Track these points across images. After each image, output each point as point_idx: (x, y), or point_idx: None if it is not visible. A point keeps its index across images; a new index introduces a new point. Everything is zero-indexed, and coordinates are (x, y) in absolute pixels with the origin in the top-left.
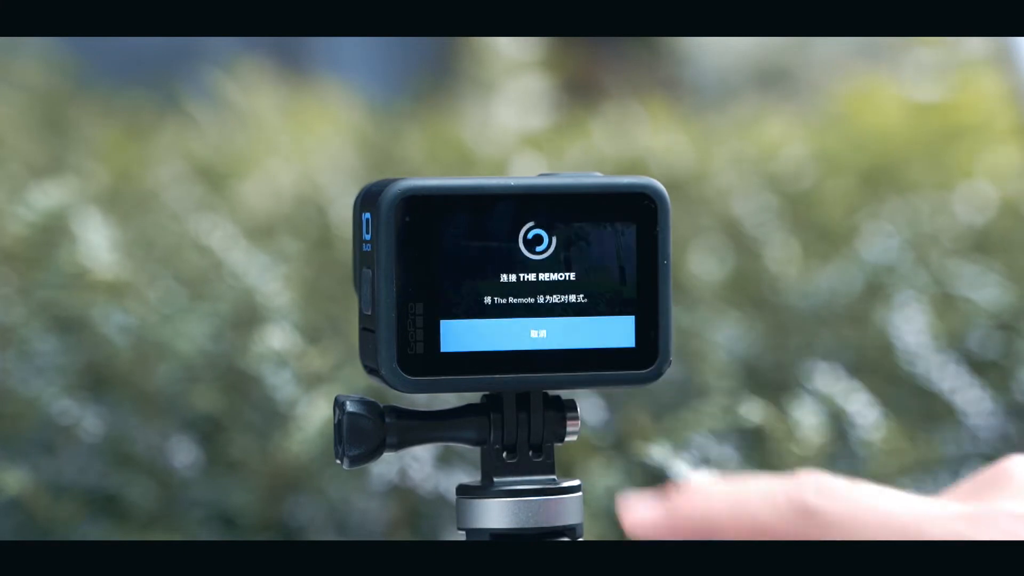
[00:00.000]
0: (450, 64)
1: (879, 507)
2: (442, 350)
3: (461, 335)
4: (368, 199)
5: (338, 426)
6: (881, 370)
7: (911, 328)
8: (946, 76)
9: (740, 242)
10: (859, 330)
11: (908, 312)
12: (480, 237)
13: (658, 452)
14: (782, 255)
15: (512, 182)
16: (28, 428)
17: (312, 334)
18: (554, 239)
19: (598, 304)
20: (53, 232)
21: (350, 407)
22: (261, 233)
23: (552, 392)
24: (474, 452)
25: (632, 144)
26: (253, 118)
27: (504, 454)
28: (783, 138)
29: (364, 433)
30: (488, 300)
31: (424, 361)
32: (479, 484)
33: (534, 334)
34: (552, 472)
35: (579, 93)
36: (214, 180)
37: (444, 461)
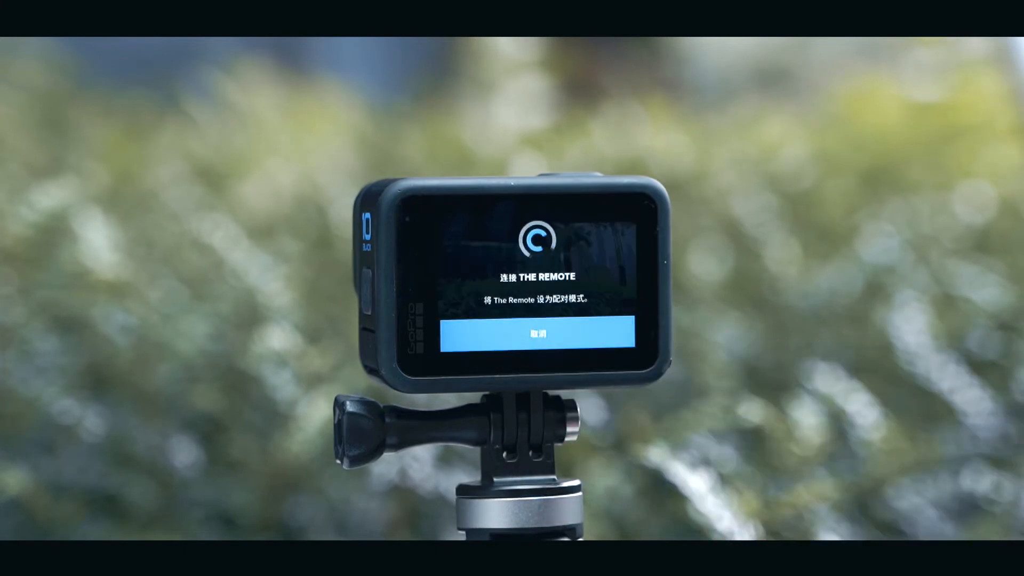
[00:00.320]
0: (450, 64)
1: None
2: (442, 350)
3: (461, 335)
4: (368, 199)
5: (338, 426)
6: (881, 370)
7: (911, 328)
8: (946, 76)
9: (740, 242)
10: (859, 330)
11: (908, 312)
12: (480, 237)
13: (657, 454)
14: (782, 255)
15: (512, 182)
16: (28, 428)
17: (312, 334)
18: (554, 239)
19: (598, 304)
20: (54, 232)
21: (350, 407)
22: (261, 233)
23: (552, 392)
24: (474, 452)
25: (632, 144)
26: (253, 118)
27: (504, 454)
28: (783, 138)
29: (364, 433)
30: (488, 300)
31: (424, 361)
32: (479, 484)
33: (534, 334)
34: (552, 472)
35: (579, 93)
36: (214, 180)
37: (444, 461)
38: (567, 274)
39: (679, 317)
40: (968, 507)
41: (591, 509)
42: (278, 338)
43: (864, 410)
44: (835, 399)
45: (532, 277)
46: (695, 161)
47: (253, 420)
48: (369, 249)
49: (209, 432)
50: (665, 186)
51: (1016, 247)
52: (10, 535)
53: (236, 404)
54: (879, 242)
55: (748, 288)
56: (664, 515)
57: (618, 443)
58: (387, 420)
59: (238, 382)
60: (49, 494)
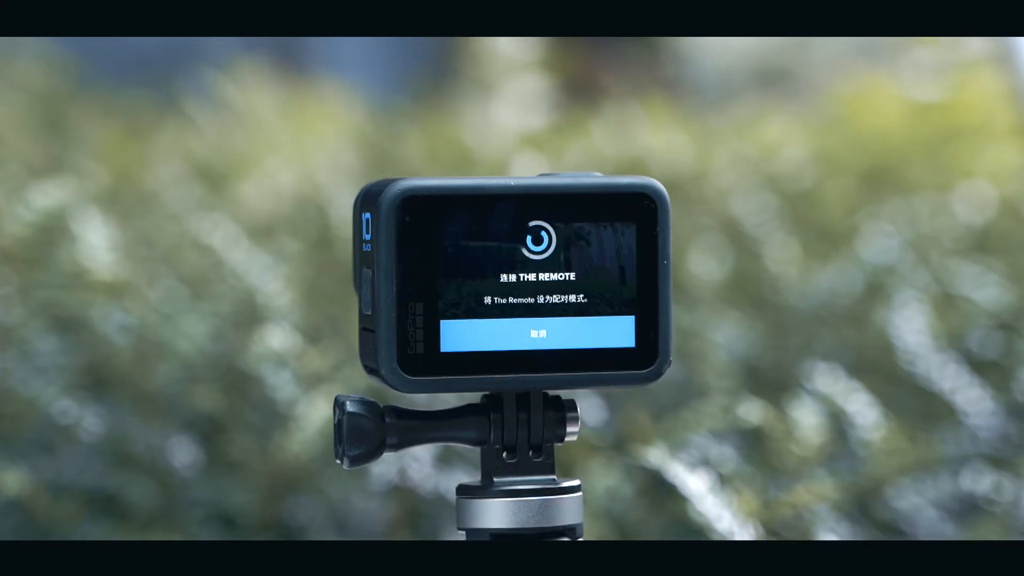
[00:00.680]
0: (450, 64)
1: None
2: (442, 350)
3: (461, 335)
4: (368, 199)
5: (338, 426)
6: (881, 370)
7: (911, 328)
8: (946, 76)
9: (740, 242)
10: (859, 330)
11: (908, 312)
12: (480, 237)
13: (656, 454)
14: (782, 255)
15: (512, 182)
16: (28, 428)
17: (312, 334)
18: (554, 239)
19: (598, 304)
20: (53, 232)
21: (350, 407)
22: (261, 233)
23: (552, 392)
24: (474, 452)
25: (632, 144)
26: (253, 118)
27: (504, 454)
28: (783, 138)
29: (364, 433)
30: (488, 300)
31: (424, 361)
32: (479, 484)
33: (534, 334)
34: (552, 472)
35: (579, 93)
36: (214, 180)
37: (444, 461)
38: (567, 274)
39: (679, 317)
40: (968, 507)
41: (591, 509)
42: (278, 338)
43: (864, 410)
44: (835, 399)
45: (532, 277)
46: (695, 161)
47: (253, 420)
48: (369, 249)
49: (209, 432)
50: (665, 186)
51: (1016, 247)
52: (10, 535)
53: (236, 404)
54: (879, 242)
55: (748, 288)
56: (664, 515)
57: (618, 443)
58: (387, 420)
59: (238, 382)
60: (49, 494)
